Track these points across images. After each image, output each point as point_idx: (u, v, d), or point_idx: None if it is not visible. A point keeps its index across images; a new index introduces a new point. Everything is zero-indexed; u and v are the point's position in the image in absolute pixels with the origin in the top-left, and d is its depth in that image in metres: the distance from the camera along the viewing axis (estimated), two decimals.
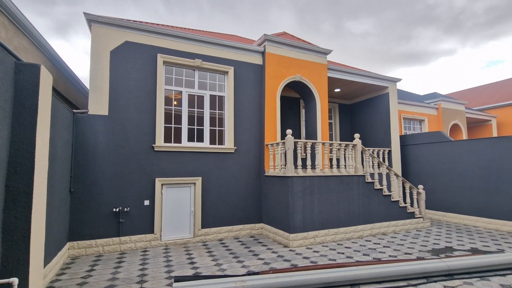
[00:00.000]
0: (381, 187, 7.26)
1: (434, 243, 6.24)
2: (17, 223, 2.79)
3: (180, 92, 6.88)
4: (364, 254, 5.49)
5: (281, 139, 7.62)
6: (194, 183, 6.66)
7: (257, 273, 4.16)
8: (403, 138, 10.25)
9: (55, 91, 6.71)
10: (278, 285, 3.73)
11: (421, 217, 7.83)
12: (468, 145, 8.30)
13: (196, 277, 4.23)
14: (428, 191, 9.14)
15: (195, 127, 6.97)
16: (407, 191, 7.95)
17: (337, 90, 10.09)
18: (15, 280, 2.65)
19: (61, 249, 5.02)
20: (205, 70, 7.14)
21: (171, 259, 5.28)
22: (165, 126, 6.61)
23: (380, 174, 8.60)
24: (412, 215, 7.69)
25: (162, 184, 6.33)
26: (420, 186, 8.05)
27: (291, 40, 7.79)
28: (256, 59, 7.65)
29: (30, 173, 2.87)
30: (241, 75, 7.45)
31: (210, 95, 7.19)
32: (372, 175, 7.89)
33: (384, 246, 6.02)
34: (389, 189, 8.08)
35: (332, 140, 10.82)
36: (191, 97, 6.99)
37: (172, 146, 6.48)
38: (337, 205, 6.63)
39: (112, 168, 5.89)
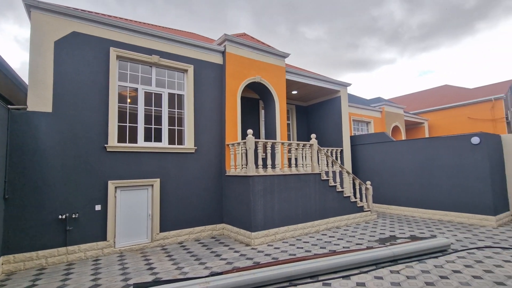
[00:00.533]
0: (334, 184, 7.78)
1: (380, 233, 6.90)
2: None
3: (136, 89, 6.51)
4: (321, 247, 5.83)
5: (242, 139, 7.69)
6: (152, 185, 6.36)
7: (221, 273, 4.16)
8: (353, 138, 11.11)
9: None
10: (242, 283, 3.77)
11: (369, 211, 8.58)
12: (407, 144, 9.35)
13: (157, 282, 4.06)
14: (375, 186, 10.05)
15: (153, 126, 6.66)
16: (357, 187, 8.66)
17: (294, 92, 10.53)
18: None
19: None
20: (163, 67, 6.87)
21: (128, 266, 4.98)
22: (119, 125, 6.19)
23: (334, 172, 9.20)
24: (361, 209, 8.38)
25: (115, 187, 5.91)
26: (368, 182, 8.82)
27: (251, 42, 7.91)
28: (217, 59, 7.60)
29: None
30: (201, 74, 7.33)
31: (169, 93, 6.94)
32: (327, 173, 8.41)
33: (338, 239, 6.47)
34: (341, 185, 8.69)
35: (290, 140, 11.23)
36: (148, 95, 6.66)
37: (127, 146, 6.10)
38: (296, 202, 6.93)
39: (57, 170, 5.32)
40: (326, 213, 7.52)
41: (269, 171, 6.59)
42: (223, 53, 7.63)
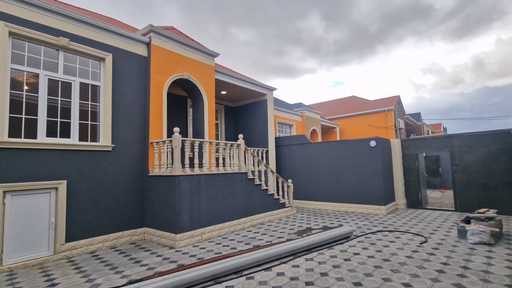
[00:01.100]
0: (260, 183, 8.18)
1: (299, 226, 7.58)
2: None
3: (37, 75, 5.49)
4: (246, 244, 6.05)
5: (167, 137, 7.34)
6: (56, 188, 5.46)
7: (140, 280, 3.89)
8: (277, 140, 11.88)
9: None
10: (166, 286, 3.62)
11: (290, 206, 9.32)
12: (322, 146, 10.53)
13: None
14: (295, 184, 10.97)
15: (59, 119, 5.73)
16: (280, 185, 9.30)
17: (224, 92, 10.62)
18: None
19: None
20: (74, 52, 5.99)
21: (19, 286, 4.15)
22: (12, 117, 5.11)
23: (259, 171, 9.63)
24: (283, 205, 9.04)
25: (4, 192, 4.86)
26: (290, 180, 9.58)
27: (180, 37, 7.62)
28: (141, 50, 7.06)
29: None
30: (122, 65, 6.69)
31: (81, 83, 6.09)
32: (253, 172, 8.77)
33: (262, 234, 6.83)
34: (266, 184, 9.19)
35: (218, 140, 11.26)
36: (53, 83, 5.70)
37: (22, 142, 5.09)
38: (223, 201, 7.00)
39: None
40: (251, 210, 7.83)
41: (196, 171, 6.49)
42: (148, 44, 7.13)
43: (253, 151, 10.26)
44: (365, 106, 21.34)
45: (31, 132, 5.34)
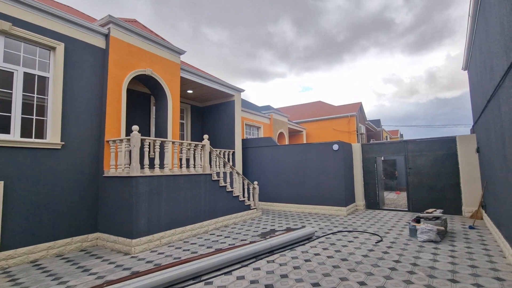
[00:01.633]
0: (225, 184, 8.04)
1: (263, 228, 7.56)
2: None
3: None
4: (208, 247, 5.86)
5: (126, 136, 6.90)
6: None
7: None
8: (244, 142, 11.82)
9: None
10: None
11: (255, 208, 9.28)
12: (288, 149, 10.68)
13: None
14: (262, 186, 10.99)
15: None
16: (245, 187, 9.23)
17: (190, 91, 10.32)
18: None
19: None
20: (19, 38, 5.39)
21: None
22: None
23: (224, 173, 9.47)
24: (248, 207, 8.98)
25: None
26: (255, 182, 9.56)
27: (142, 31, 7.24)
28: (98, 41, 6.57)
29: None
30: (76, 56, 6.16)
31: (25, 73, 5.48)
32: (218, 173, 8.59)
33: (225, 237, 6.68)
34: (231, 185, 9.06)
35: (184, 140, 10.90)
36: None
37: None
38: (185, 203, 6.74)
39: None
40: (215, 213, 7.65)
41: (157, 172, 6.17)
42: (107, 36, 6.66)
43: (219, 152, 10.08)
44: (330, 111, 22.21)
45: None
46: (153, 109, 9.50)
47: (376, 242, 5.89)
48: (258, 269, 4.50)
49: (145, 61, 7.27)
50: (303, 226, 7.59)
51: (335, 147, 9.48)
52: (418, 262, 4.63)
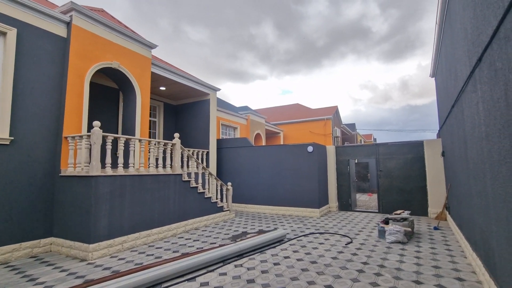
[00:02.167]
0: (196, 185, 7.74)
1: (235, 231, 7.35)
2: None
3: None
4: (174, 251, 5.56)
5: (88, 132, 6.41)
6: None
7: None
8: (219, 142, 11.56)
9: None
10: None
11: (228, 210, 9.05)
12: (263, 150, 10.57)
13: None
14: (236, 187, 10.77)
15: None
16: (218, 188, 8.98)
17: (163, 88, 9.91)
18: None
19: None
20: None
21: None
22: None
23: (196, 174, 9.15)
24: (221, 209, 8.73)
25: None
26: (229, 183, 9.33)
27: (109, 21, 6.80)
28: (58, 29, 6.06)
29: None
30: (32, 44, 5.62)
31: None
32: (189, 174, 8.27)
33: (194, 240, 6.39)
34: (203, 186, 8.77)
35: (156, 139, 10.45)
36: None
37: None
38: (152, 205, 6.37)
39: None
40: (185, 215, 7.33)
41: (120, 171, 5.76)
42: (68, 24, 6.16)
43: (192, 152, 9.75)
44: (308, 114, 22.48)
45: None
46: (122, 105, 8.99)
47: (346, 244, 5.89)
48: (225, 274, 4.29)
49: (111, 53, 6.83)
50: (275, 228, 7.47)
51: (310, 149, 9.50)
52: (385, 263, 4.65)
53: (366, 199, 14.45)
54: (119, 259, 5.10)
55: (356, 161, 18.51)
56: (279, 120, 22.75)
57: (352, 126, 29.02)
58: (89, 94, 7.80)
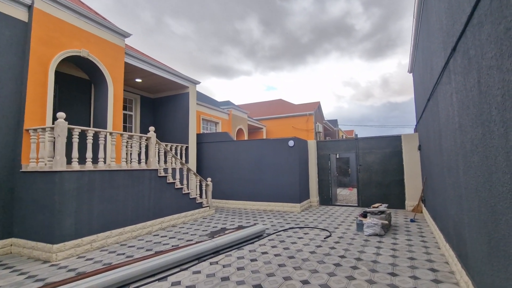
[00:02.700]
0: (173, 181, 7.47)
1: (213, 227, 7.16)
2: None
3: None
4: (147, 250, 5.31)
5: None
6: None
7: None
8: (199, 136, 11.27)
9: None
10: None
11: (208, 206, 8.83)
12: (244, 144, 10.40)
13: None
14: (217, 182, 10.56)
15: None
16: (198, 184, 8.73)
17: (138, 80, 9.47)
18: None
19: None
20: None
21: None
22: None
23: (174, 169, 8.83)
24: (200, 205, 8.50)
25: None
26: (209, 179, 9.11)
27: (77, 6, 6.34)
28: (18, 13, 5.56)
29: None
30: None
31: None
32: (166, 169, 7.97)
33: (170, 238, 6.15)
34: (181, 182, 8.49)
35: (132, 132, 10.01)
36: None
37: None
38: (125, 202, 6.06)
39: None
40: (162, 212, 7.05)
41: (89, 166, 5.41)
42: (30, 8, 5.67)
43: (171, 147, 9.42)
44: (290, 109, 22.50)
45: None
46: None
47: (325, 238, 5.87)
48: (199, 272, 4.11)
49: (80, 40, 6.38)
50: (255, 224, 7.36)
51: (291, 143, 9.43)
52: (362, 256, 4.64)
53: (347, 194, 14.67)
54: (87, 260, 4.79)
55: (337, 156, 18.75)
56: (262, 115, 22.62)
57: (334, 122, 29.41)
58: (59, 85, 7.34)
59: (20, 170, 5.33)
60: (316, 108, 21.34)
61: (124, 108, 10.12)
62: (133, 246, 5.58)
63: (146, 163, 6.78)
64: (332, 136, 28.43)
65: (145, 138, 6.77)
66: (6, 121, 5.32)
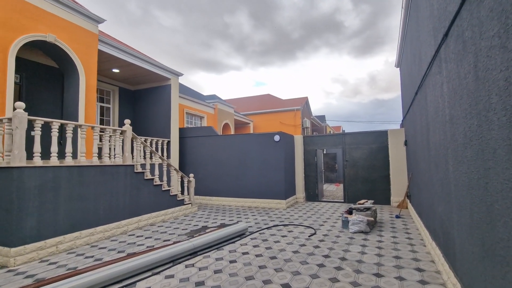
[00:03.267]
0: (152, 177, 7.06)
1: (194, 225, 6.83)
2: None
3: None
4: (119, 252, 4.92)
5: None
6: None
7: None
8: (182, 131, 10.82)
9: None
10: None
11: (190, 203, 8.47)
12: (228, 139, 10.05)
13: None
14: (200, 178, 10.19)
15: None
16: (179, 180, 8.34)
17: (116, 70, 8.92)
18: None
19: None
20: None
21: None
22: None
23: (153, 165, 8.39)
24: (181, 202, 8.13)
25: None
26: (191, 175, 8.73)
27: None
28: None
29: None
30: None
31: None
32: (143, 165, 7.54)
33: (146, 238, 5.78)
34: (161, 178, 8.09)
35: (110, 126, 9.47)
36: None
37: None
38: (96, 200, 5.62)
39: None
40: (139, 210, 6.65)
41: (54, 162, 4.95)
42: None
43: (150, 141, 8.97)
44: (278, 105, 22.23)
45: None
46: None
47: (309, 236, 5.65)
48: (171, 276, 3.78)
49: (45, 24, 5.83)
50: (238, 222, 7.07)
51: (276, 138, 9.16)
52: (347, 255, 4.44)
53: (334, 189, 14.61)
54: (50, 264, 4.37)
55: (324, 152, 18.69)
56: (249, 110, 22.26)
57: (322, 118, 29.39)
58: (26, 74, 6.77)
59: None
60: (303, 103, 21.17)
61: (101, 100, 9.55)
62: (105, 247, 5.18)
63: (121, 158, 6.34)
64: (320, 132, 28.44)
65: (120, 131, 6.32)
66: None
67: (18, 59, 6.83)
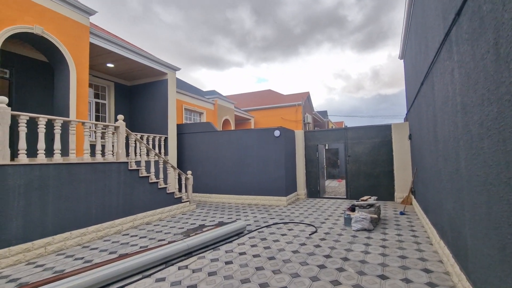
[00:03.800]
0: (148, 175, 6.84)
1: (191, 224, 6.62)
2: None
3: None
4: (111, 253, 4.72)
5: None
6: None
7: None
8: (180, 127, 10.59)
9: None
10: None
11: (187, 201, 8.26)
12: (228, 135, 9.80)
13: None
14: (199, 176, 9.97)
15: None
16: (176, 177, 8.12)
17: (110, 65, 8.67)
18: None
19: None
20: None
21: None
22: None
23: (148, 162, 8.16)
24: (179, 200, 7.91)
25: None
26: (189, 172, 8.50)
27: None
28: None
29: None
30: None
31: None
32: (138, 162, 7.32)
33: (140, 237, 5.57)
34: (157, 176, 7.87)
35: (106, 122, 9.25)
36: None
37: None
38: (88, 199, 5.41)
39: None
40: (133, 208, 6.44)
41: (42, 159, 4.73)
42: None
43: (147, 138, 8.74)
44: (279, 100, 21.91)
45: None
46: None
47: (310, 234, 5.41)
48: (163, 279, 3.57)
49: (32, 15, 5.58)
50: (236, 220, 6.85)
51: (277, 133, 8.90)
52: (350, 255, 4.20)
53: (336, 185, 14.36)
54: (36, 266, 4.17)
55: (326, 147, 18.40)
56: (250, 106, 21.96)
57: (324, 113, 29.03)
58: (15, 68, 6.54)
59: None
60: (305, 98, 20.83)
61: (96, 96, 9.32)
62: (96, 248, 4.98)
63: (114, 155, 6.12)
64: (322, 127, 28.10)
65: (113, 127, 6.09)
66: None
67: (8, 53, 6.61)
